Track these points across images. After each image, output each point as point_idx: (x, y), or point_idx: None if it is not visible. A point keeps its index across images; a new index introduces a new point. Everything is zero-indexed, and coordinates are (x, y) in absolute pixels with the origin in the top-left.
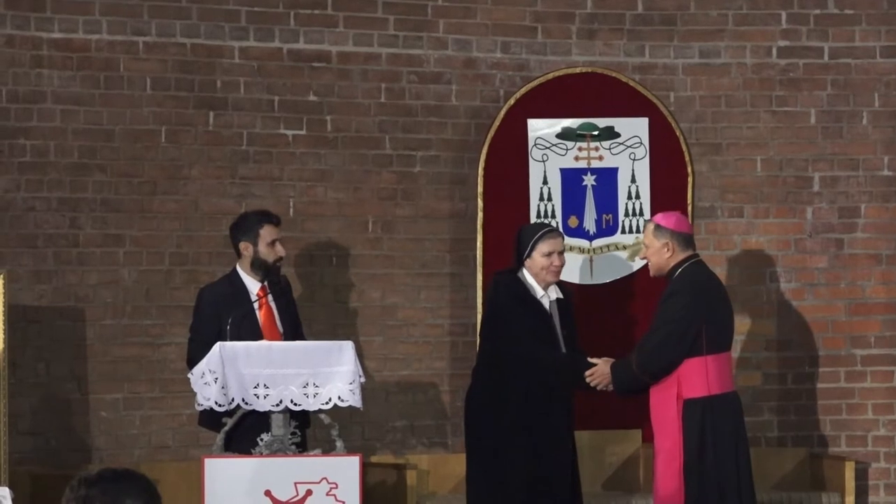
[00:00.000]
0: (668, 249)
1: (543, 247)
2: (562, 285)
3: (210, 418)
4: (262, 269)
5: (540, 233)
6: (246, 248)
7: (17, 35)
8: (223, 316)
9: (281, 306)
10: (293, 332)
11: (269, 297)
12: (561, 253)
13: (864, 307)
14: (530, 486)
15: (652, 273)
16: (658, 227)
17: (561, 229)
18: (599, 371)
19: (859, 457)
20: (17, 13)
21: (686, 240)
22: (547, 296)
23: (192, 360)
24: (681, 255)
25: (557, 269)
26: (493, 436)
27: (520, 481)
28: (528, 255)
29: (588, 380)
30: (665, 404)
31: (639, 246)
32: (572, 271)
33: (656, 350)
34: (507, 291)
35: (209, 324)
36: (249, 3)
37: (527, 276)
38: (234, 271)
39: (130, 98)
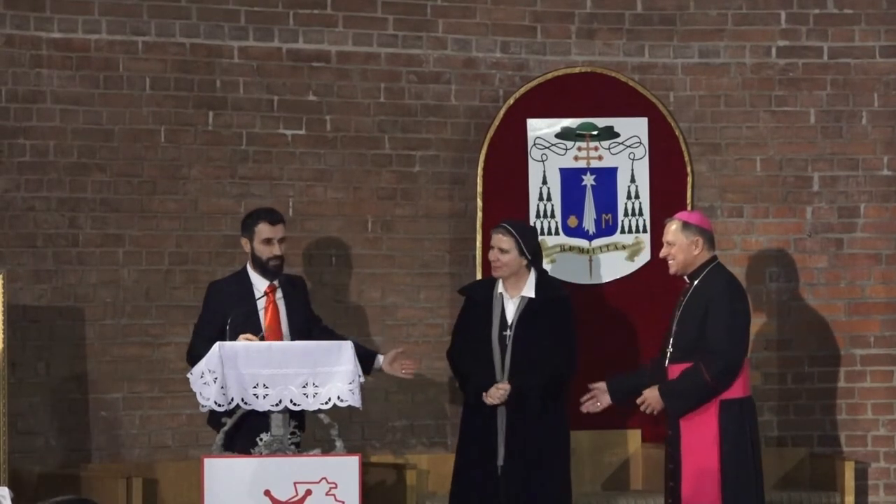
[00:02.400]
0: (696, 247)
1: (490, 240)
2: (551, 285)
3: (216, 418)
4: (260, 266)
5: (493, 227)
6: (245, 244)
7: (17, 35)
8: (227, 313)
9: (291, 307)
10: (303, 333)
11: (279, 296)
12: (503, 250)
13: (863, 307)
14: (461, 488)
15: (674, 271)
16: (686, 224)
17: (560, 229)
18: (651, 398)
19: (859, 457)
20: (16, 13)
21: (712, 238)
22: (506, 294)
23: (190, 352)
24: (707, 255)
25: (494, 264)
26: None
27: (457, 480)
28: None
29: (641, 408)
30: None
31: (639, 246)
32: (572, 271)
33: (732, 353)
34: (462, 305)
35: (213, 319)
36: (249, 2)
37: None
38: (244, 269)
39: (130, 98)
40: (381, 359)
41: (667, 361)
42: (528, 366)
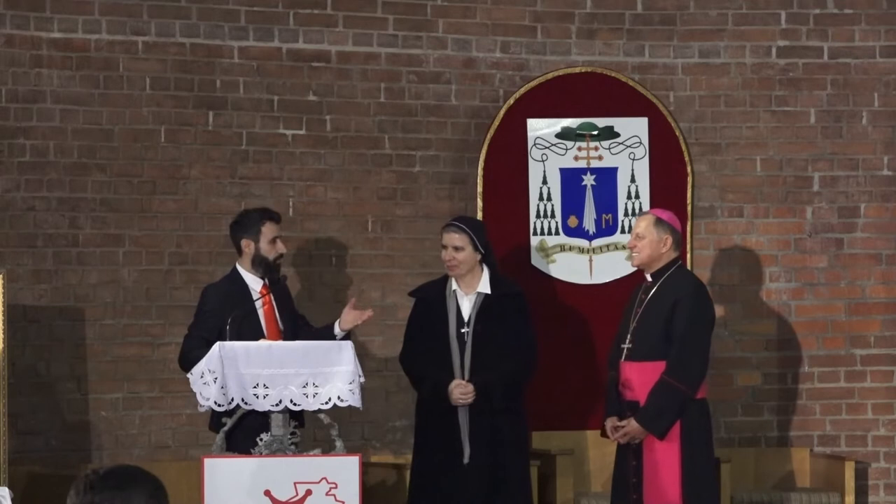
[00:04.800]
0: (665, 245)
1: (442, 240)
2: (505, 282)
3: (217, 421)
4: (263, 266)
5: (443, 227)
6: (248, 245)
7: (17, 35)
8: (226, 314)
9: (281, 304)
10: (293, 329)
11: (271, 294)
12: (457, 248)
13: (863, 307)
14: (423, 491)
15: (636, 263)
16: (659, 220)
17: (560, 229)
18: (632, 430)
19: (859, 457)
20: (16, 13)
21: (680, 239)
22: (459, 291)
23: (185, 355)
24: (673, 254)
25: (449, 263)
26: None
27: (421, 481)
28: None
29: (619, 441)
30: None
31: None
32: (572, 271)
33: (701, 356)
34: (412, 308)
35: (212, 321)
36: (249, 2)
37: None
38: (235, 270)
39: (130, 98)
40: (336, 325)
41: (622, 358)
42: (488, 362)
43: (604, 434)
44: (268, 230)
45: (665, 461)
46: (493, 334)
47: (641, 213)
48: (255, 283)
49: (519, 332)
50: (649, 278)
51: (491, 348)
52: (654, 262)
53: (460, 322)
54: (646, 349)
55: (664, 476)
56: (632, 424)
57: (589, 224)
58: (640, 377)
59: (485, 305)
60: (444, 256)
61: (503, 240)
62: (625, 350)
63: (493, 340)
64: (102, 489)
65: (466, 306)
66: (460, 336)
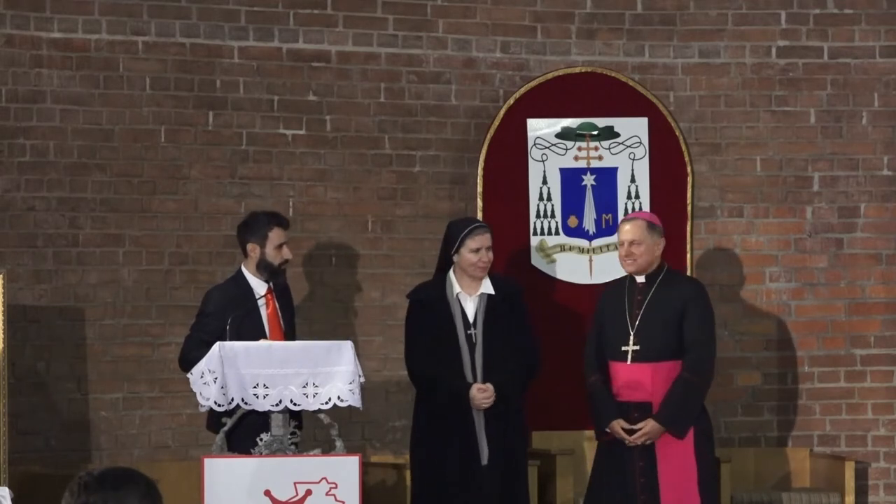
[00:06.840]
0: (659, 248)
1: (471, 243)
2: (504, 281)
3: (215, 422)
4: (267, 271)
5: (468, 228)
6: (253, 249)
7: (17, 35)
8: (228, 317)
9: (284, 309)
10: (291, 333)
11: (273, 295)
12: (489, 248)
13: (863, 307)
14: (436, 492)
15: (633, 270)
16: (651, 224)
17: (560, 229)
18: (651, 431)
19: (859, 457)
20: (16, 13)
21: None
22: (462, 293)
23: (184, 356)
24: (660, 257)
25: (485, 265)
26: (413, 438)
27: (428, 486)
28: (457, 251)
29: (635, 443)
30: None
31: None
32: (572, 271)
33: (712, 349)
34: (410, 310)
35: (213, 324)
36: (249, 2)
37: (451, 273)
38: (240, 272)
39: (130, 98)
40: None
41: (628, 360)
42: (498, 363)
43: (601, 437)
44: (275, 236)
45: (683, 462)
46: (500, 335)
47: (627, 219)
48: (259, 287)
49: (524, 332)
50: (641, 280)
51: (500, 349)
52: (650, 267)
53: (466, 324)
54: (658, 350)
55: (683, 477)
56: (651, 425)
57: (589, 224)
58: (653, 378)
59: (490, 306)
60: (478, 259)
61: (503, 240)
62: (630, 352)
63: (502, 341)
64: (97, 490)
65: (471, 308)
66: (468, 338)
